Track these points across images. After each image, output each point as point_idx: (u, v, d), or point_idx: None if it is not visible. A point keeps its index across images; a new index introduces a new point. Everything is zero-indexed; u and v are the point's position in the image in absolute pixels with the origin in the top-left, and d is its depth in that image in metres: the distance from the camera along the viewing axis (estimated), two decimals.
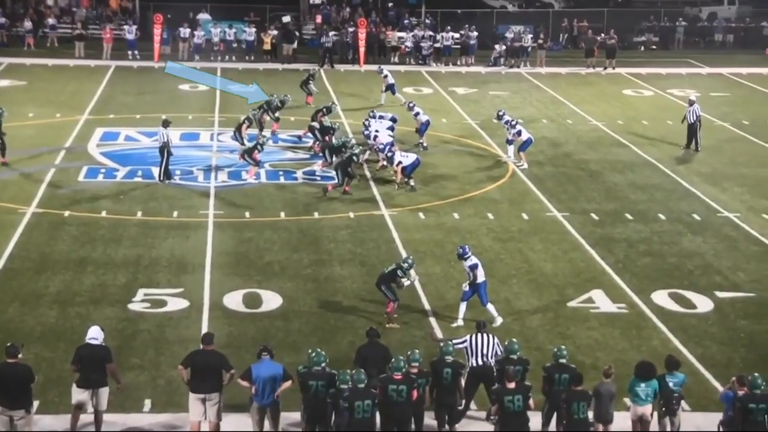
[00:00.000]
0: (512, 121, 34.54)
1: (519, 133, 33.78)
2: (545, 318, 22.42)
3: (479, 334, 18.04)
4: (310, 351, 16.79)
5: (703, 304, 23.43)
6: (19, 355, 16.31)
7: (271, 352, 16.91)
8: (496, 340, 18.14)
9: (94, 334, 16.99)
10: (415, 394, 16.35)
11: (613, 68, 53.49)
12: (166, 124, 31.23)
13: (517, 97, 45.86)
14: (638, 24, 62.85)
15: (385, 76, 42.31)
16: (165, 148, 30.79)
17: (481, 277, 21.73)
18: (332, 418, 16.19)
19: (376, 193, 30.49)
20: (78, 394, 16.79)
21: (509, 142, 34.41)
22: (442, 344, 17.45)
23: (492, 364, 17.66)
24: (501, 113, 35.53)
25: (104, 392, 16.86)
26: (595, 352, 20.74)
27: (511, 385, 16.18)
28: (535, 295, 23.63)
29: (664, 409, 16.96)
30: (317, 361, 16.50)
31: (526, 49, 54.43)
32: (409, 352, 16.95)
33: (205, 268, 24.49)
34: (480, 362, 17.79)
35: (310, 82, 41.95)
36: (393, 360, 16.46)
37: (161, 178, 30.88)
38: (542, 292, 23.84)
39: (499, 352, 17.81)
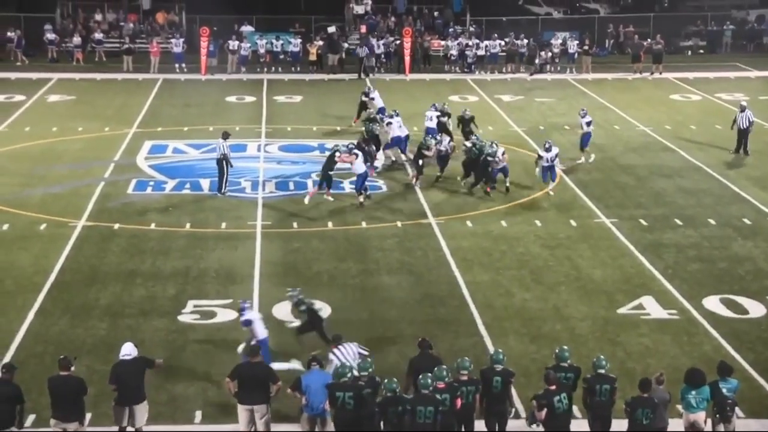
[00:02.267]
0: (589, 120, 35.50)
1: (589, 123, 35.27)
2: (595, 325, 22.27)
3: (340, 346, 17.76)
4: (338, 364, 16.77)
5: (755, 309, 23.17)
6: (72, 368, 16.43)
7: (320, 362, 16.92)
8: (353, 345, 17.93)
9: (128, 350, 16.97)
10: (458, 402, 16.29)
11: (660, 73, 53.15)
12: (225, 136, 31.51)
13: (563, 104, 45.68)
14: (685, 28, 62.37)
15: (372, 99, 39.38)
16: (224, 160, 30.95)
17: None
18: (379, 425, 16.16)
19: (423, 202, 30.45)
20: (118, 413, 16.78)
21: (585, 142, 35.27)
22: (492, 352, 17.33)
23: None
24: (584, 112, 35.91)
25: (142, 408, 16.83)
26: (646, 359, 20.57)
27: (553, 387, 16.11)
28: (584, 302, 23.47)
29: (717, 415, 16.77)
30: (364, 366, 16.54)
31: (573, 56, 54.27)
32: (459, 360, 16.87)
33: (254, 278, 24.57)
34: None
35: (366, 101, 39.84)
36: (435, 369, 16.38)
37: (222, 191, 31.01)
38: (591, 298, 23.69)
39: (358, 359, 17.47)
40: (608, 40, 61.24)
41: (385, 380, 16.19)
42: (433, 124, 35.60)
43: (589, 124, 35.23)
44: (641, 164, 35.28)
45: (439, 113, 36.17)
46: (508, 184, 31.14)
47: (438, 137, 33.06)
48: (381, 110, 38.05)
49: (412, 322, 22.21)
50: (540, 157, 31.73)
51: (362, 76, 51.81)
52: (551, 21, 62.75)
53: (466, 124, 36.51)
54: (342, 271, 25.20)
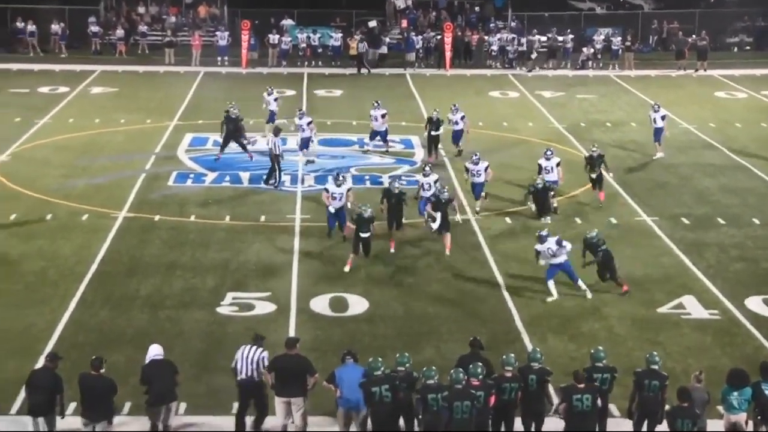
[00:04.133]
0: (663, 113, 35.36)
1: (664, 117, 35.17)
2: (634, 324, 22.13)
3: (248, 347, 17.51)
4: (370, 359, 16.72)
5: None
6: (102, 369, 16.37)
7: (355, 356, 16.90)
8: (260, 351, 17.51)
9: (157, 351, 16.98)
10: (492, 399, 16.24)
11: (705, 70, 52.73)
12: (277, 131, 31.62)
13: (605, 101, 45.44)
14: (731, 24, 61.71)
15: (276, 99, 37.97)
16: (275, 155, 31.11)
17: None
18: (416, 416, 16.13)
19: (462, 198, 30.38)
20: (153, 414, 16.71)
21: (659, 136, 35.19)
22: (530, 350, 17.24)
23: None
24: (657, 106, 35.71)
25: (174, 407, 16.83)
26: (686, 359, 20.41)
27: (581, 385, 16.02)
28: (624, 301, 23.32)
29: (759, 417, 16.60)
30: (402, 361, 16.53)
31: (616, 52, 53.97)
32: (504, 356, 16.79)
33: (292, 272, 24.61)
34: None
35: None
36: (470, 366, 16.32)
37: (276, 185, 31.15)
38: (631, 297, 23.53)
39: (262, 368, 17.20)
40: (652, 36, 60.81)
41: (424, 368, 16.16)
42: (380, 125, 35.46)
43: (663, 118, 34.97)
44: (684, 162, 35.03)
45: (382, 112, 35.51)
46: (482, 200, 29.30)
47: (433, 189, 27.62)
48: (272, 114, 37.26)
49: (448, 319, 22.17)
50: (467, 170, 29.49)
51: (362, 71, 51.81)
52: (594, 17, 62.38)
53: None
54: (380, 266, 25.18)
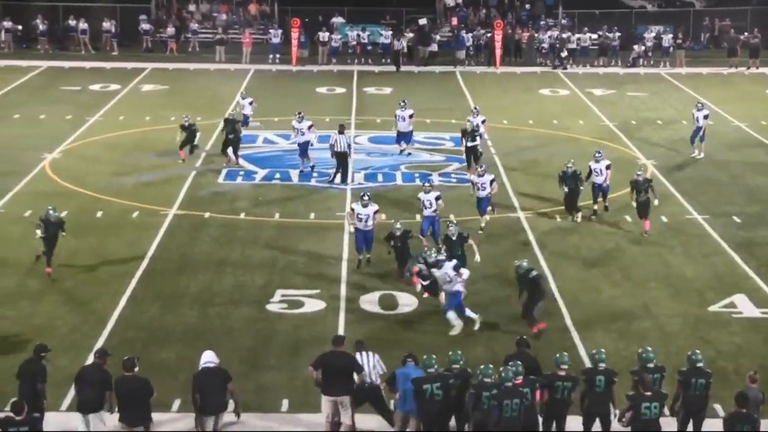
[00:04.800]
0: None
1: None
2: (685, 323, 21.94)
3: (361, 353, 17.37)
4: (424, 356, 16.66)
5: None
6: (136, 369, 16.14)
7: (416, 359, 16.78)
8: (376, 357, 17.37)
9: (210, 358, 16.69)
10: (538, 394, 16.16)
11: (757, 68, 52.20)
12: (342, 129, 31.51)
13: (655, 98, 45.11)
14: None
15: (251, 103, 37.81)
16: (341, 153, 31.06)
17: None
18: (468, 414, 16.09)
19: (511, 195, 30.28)
20: (202, 422, 16.49)
21: (700, 135, 34.63)
22: (594, 351, 17.03)
23: (376, 382, 17.07)
24: (701, 105, 35.39)
25: (225, 417, 16.62)
26: (737, 358, 20.20)
27: (648, 393, 15.84)
28: (675, 300, 23.15)
29: None
30: (455, 359, 16.47)
31: (668, 49, 53.54)
32: (558, 355, 16.69)
33: (342, 269, 24.64)
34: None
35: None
36: (511, 363, 16.24)
37: (344, 182, 31.22)
38: (682, 296, 23.35)
39: (381, 370, 17.14)
40: (703, 33, 60.26)
41: (482, 366, 16.09)
42: (406, 126, 34.88)
43: (706, 117, 34.65)
44: (735, 160, 34.70)
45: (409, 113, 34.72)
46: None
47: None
48: (245, 118, 36.99)
49: (498, 316, 22.08)
50: (472, 183, 28.23)
51: (399, 69, 51.68)
52: (645, 14, 61.88)
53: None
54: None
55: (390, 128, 37.75)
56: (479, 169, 28.27)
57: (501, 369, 16.04)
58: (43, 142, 35.46)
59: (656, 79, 49.93)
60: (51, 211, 24.03)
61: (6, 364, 18.89)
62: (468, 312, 21.36)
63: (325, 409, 16.91)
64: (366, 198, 25.19)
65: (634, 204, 27.15)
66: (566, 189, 28.02)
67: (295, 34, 52.71)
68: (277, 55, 52.86)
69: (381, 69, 51.84)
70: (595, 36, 54.97)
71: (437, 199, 25.92)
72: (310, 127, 32.77)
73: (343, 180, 31.25)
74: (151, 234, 26.82)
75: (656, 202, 27.33)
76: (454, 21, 57.58)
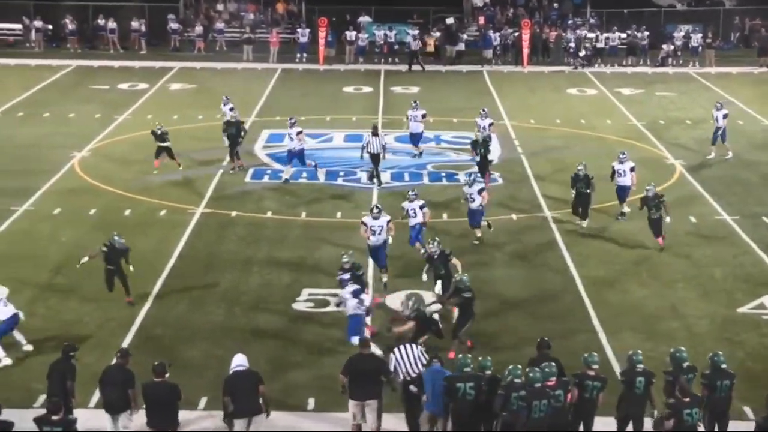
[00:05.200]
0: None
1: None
2: (713, 324, 21.81)
3: (402, 346, 17.22)
4: (460, 356, 16.59)
5: None
6: (167, 374, 16.11)
7: (441, 359, 16.75)
8: (420, 348, 17.27)
9: (241, 361, 16.56)
10: (569, 396, 16.09)
11: None
12: (375, 131, 31.31)
13: (684, 98, 44.87)
14: None
15: (232, 109, 35.11)
16: (374, 155, 30.90)
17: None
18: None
19: (539, 196, 30.19)
20: (231, 425, 16.37)
21: (721, 135, 34.31)
22: (631, 352, 16.92)
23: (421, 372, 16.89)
24: (720, 104, 35.13)
25: (260, 420, 16.41)
26: (766, 360, 20.07)
27: (687, 399, 15.66)
28: (703, 300, 23.02)
29: None
30: (485, 365, 16.38)
31: (697, 49, 53.25)
32: (586, 355, 16.57)
33: (368, 268, 24.61)
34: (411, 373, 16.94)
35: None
36: (545, 366, 16.13)
37: (377, 183, 31.08)
38: (710, 297, 23.21)
39: (424, 361, 16.96)
40: (733, 33, 59.90)
41: (510, 366, 16.02)
42: (418, 127, 34.40)
43: (725, 117, 34.40)
44: (765, 161, 34.46)
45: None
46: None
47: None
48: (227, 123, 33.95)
49: (525, 317, 22.05)
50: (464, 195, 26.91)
51: (412, 69, 51.52)
52: (674, 13, 61.56)
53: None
54: (461, 263, 25.06)
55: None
56: (468, 178, 27.35)
57: (528, 370, 15.97)
58: (72, 141, 35.64)
59: (685, 79, 49.67)
60: (116, 237, 22.28)
61: (35, 362, 19.05)
62: (352, 339, 19.95)
63: (352, 411, 16.77)
64: (376, 209, 23.92)
65: (648, 220, 26.03)
66: (574, 192, 27.61)
67: (322, 34, 52.75)
68: (305, 55, 52.91)
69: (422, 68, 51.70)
70: (623, 35, 54.72)
71: (422, 207, 25.08)
72: (299, 134, 31.57)
73: (372, 178, 31.13)
74: (179, 232, 26.90)
75: (668, 219, 26.10)
76: (482, 20, 57.48)
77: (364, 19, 56.91)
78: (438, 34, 54.28)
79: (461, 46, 53.99)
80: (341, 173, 32.36)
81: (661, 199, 25.82)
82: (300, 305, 22.54)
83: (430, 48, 53.40)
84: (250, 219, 28.23)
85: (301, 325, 21.59)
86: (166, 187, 30.83)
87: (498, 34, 54.25)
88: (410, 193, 25.62)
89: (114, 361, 17.14)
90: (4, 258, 25.13)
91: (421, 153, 34.64)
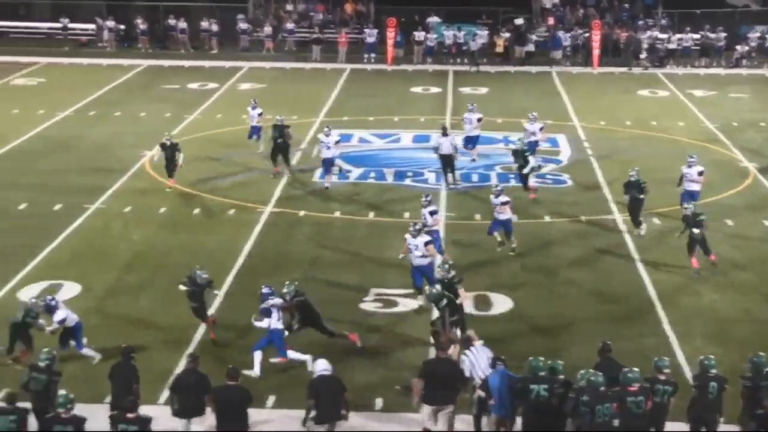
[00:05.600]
0: None
1: None
2: None
3: (470, 348, 17.06)
4: (530, 358, 16.45)
5: None
6: (240, 378, 16.10)
7: (505, 362, 16.63)
8: (487, 349, 17.14)
9: (325, 366, 16.41)
10: (649, 404, 15.88)
11: None
12: (445, 131, 30.94)
13: (759, 100, 44.23)
14: None
15: (260, 114, 34.62)
16: (445, 156, 30.56)
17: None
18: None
19: (609, 198, 29.88)
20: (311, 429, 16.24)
21: None
22: (703, 357, 16.66)
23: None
24: None
25: (341, 425, 16.32)
26: None
27: None
28: None
29: None
30: (556, 368, 16.22)
31: None
32: (656, 359, 16.37)
33: (436, 269, 24.48)
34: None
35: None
36: (627, 371, 15.92)
37: (449, 184, 30.78)
38: None
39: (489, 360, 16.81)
40: None
41: (582, 371, 15.86)
42: (472, 130, 33.55)
43: None
44: None
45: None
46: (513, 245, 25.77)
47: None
48: (254, 130, 34.45)
49: (594, 320, 21.83)
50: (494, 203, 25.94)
51: (472, 68, 51.22)
52: (749, 13, 60.62)
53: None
54: (523, 265, 24.95)
55: (486, 128, 37.49)
56: (495, 188, 26.32)
57: (591, 374, 15.77)
58: (143, 140, 35.93)
59: (760, 80, 48.96)
60: (198, 272, 20.98)
61: (105, 358, 19.16)
62: (292, 354, 19.42)
63: (425, 416, 16.60)
64: (415, 226, 22.80)
65: (689, 239, 24.40)
66: (628, 198, 27.00)
67: (390, 34, 52.73)
68: (372, 55, 52.92)
69: (477, 69, 51.51)
70: (696, 36, 54.03)
71: (432, 213, 24.59)
72: (337, 142, 31.13)
73: (446, 181, 30.93)
74: (247, 231, 27.00)
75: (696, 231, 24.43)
76: (551, 21, 57.10)
77: (433, 19, 56.79)
78: (507, 34, 54.00)
79: (530, 47, 53.64)
80: (409, 174, 32.30)
81: (701, 218, 24.34)
82: (367, 305, 22.51)
83: (499, 49, 53.13)
84: (317, 218, 28.27)
85: (369, 324, 21.55)
86: (235, 187, 30.96)
87: (568, 35, 53.84)
88: (423, 198, 25.32)
89: (185, 365, 17.17)
90: (75, 255, 25.42)
91: (475, 158, 34.00)
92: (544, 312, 22.32)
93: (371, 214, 28.61)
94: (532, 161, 29.89)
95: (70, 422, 14.85)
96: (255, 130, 34.35)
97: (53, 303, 19.63)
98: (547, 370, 16.21)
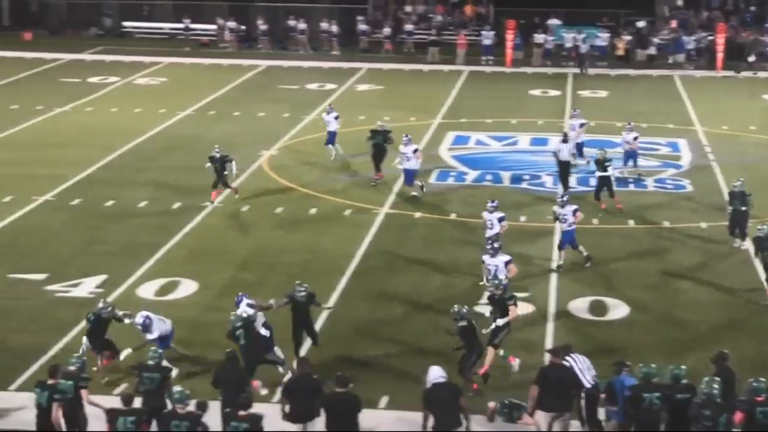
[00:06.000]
0: None
1: None
2: None
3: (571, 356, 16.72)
4: (640, 365, 16.15)
5: None
6: (350, 385, 15.91)
7: (629, 367, 16.37)
8: (587, 360, 16.84)
9: (439, 373, 16.18)
10: (737, 417, 15.44)
11: None
12: (565, 138, 30.47)
13: None
14: None
15: (336, 117, 33.79)
16: (563, 163, 30.12)
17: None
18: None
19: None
20: None
21: None
22: None
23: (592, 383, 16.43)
24: None
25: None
26: None
27: None
28: None
29: None
30: (678, 375, 15.89)
31: None
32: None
33: (551, 273, 24.28)
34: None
35: None
36: (752, 381, 15.45)
37: (564, 189, 29.90)
38: None
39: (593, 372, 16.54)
40: None
41: (706, 378, 15.53)
42: (577, 136, 32.32)
43: None
44: None
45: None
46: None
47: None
48: (332, 135, 33.72)
49: (712, 326, 21.44)
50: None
51: (583, 71, 50.51)
52: None
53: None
54: (641, 271, 24.60)
55: (605, 132, 37.08)
56: (560, 199, 25.14)
57: (703, 385, 15.41)
58: (262, 140, 36.33)
59: None
60: (299, 288, 19.98)
61: (220, 353, 19.29)
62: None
63: (540, 423, 16.42)
64: (492, 247, 22.46)
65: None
66: (731, 209, 25.99)
67: (509, 36, 52.43)
68: (490, 57, 52.66)
69: (597, 72, 50.96)
70: None
71: (500, 220, 24.22)
72: (415, 152, 30.01)
73: (564, 187, 30.32)
74: (363, 232, 27.08)
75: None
76: (674, 24, 56.16)
77: (553, 21, 56.34)
78: (629, 37, 53.27)
79: (652, 50, 52.81)
80: (526, 177, 32.05)
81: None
82: (482, 308, 22.36)
83: (620, 52, 52.42)
84: (433, 220, 28.22)
85: (483, 328, 21.37)
86: (352, 187, 31.09)
87: (692, 38, 52.86)
88: (489, 203, 24.93)
89: (296, 369, 17.18)
90: (193, 253, 25.79)
91: (588, 162, 33.36)
92: (661, 318, 21.94)
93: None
94: (610, 171, 28.64)
95: (186, 418, 15.03)
96: (332, 137, 33.66)
97: (147, 322, 19.28)
98: (671, 377, 15.91)
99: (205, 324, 21.20)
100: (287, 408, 16.20)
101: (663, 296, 23.20)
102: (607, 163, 28.62)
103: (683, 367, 16.25)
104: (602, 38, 53.14)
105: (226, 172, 29.01)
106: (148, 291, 23.13)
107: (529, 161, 33.47)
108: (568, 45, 53.24)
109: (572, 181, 31.42)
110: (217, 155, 29.03)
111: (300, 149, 35.59)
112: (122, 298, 22.77)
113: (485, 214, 24.88)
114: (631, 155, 31.76)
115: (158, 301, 22.63)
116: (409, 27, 57.07)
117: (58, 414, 15.89)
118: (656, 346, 20.39)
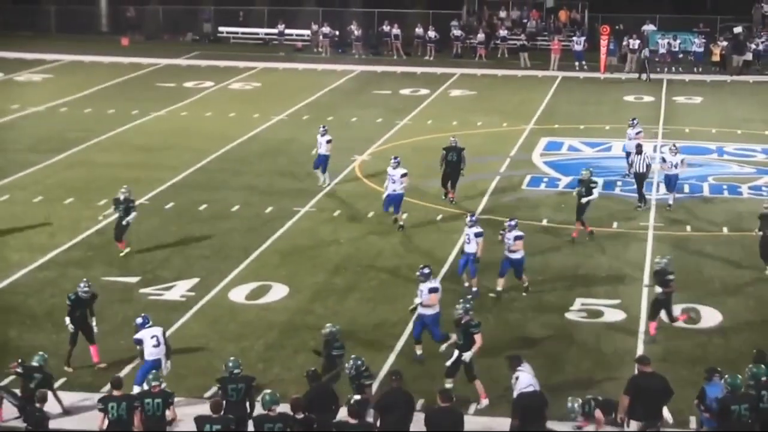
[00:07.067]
0: None
1: None
2: None
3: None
4: (726, 375, 15.98)
5: None
6: (453, 400, 15.77)
7: (722, 374, 16.21)
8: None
9: (529, 381, 16.22)
10: None
11: None
12: (639, 149, 29.75)
13: None
14: None
15: (329, 141, 31.58)
16: (639, 174, 29.44)
17: None
18: None
19: None
20: None
21: None
22: None
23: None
24: None
25: None
26: None
27: None
28: None
29: None
30: (757, 374, 15.71)
31: None
32: None
33: (643, 280, 24.10)
34: None
35: None
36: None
37: (640, 201, 29.46)
38: None
39: None
40: None
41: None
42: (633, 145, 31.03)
43: None
44: None
45: None
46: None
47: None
48: (321, 159, 31.74)
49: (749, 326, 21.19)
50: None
51: (643, 77, 49.85)
52: None
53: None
54: (736, 278, 24.31)
55: (700, 138, 36.68)
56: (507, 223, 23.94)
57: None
58: (354, 144, 36.54)
59: None
60: (329, 327, 18.61)
61: (309, 358, 19.40)
62: None
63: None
64: (472, 218, 23.14)
65: None
66: (760, 233, 24.72)
67: (604, 42, 52.08)
68: (584, 63, 52.36)
69: (691, 78, 50.40)
70: None
71: (477, 236, 23.21)
72: (404, 176, 27.94)
73: (640, 200, 29.64)
74: (454, 238, 27.05)
75: None
76: None
77: (648, 27, 55.85)
78: (725, 43, 52.58)
79: (749, 56, 52.11)
80: (619, 183, 31.82)
81: None
82: (573, 315, 22.30)
83: (716, 57, 51.77)
84: (525, 226, 28.01)
85: (574, 335, 21.34)
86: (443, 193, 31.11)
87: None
88: (468, 217, 24.08)
89: (389, 381, 17.06)
90: (285, 257, 26.01)
91: (626, 175, 31.99)
92: (755, 325, 21.65)
93: (578, 224, 28.21)
94: (596, 194, 27.02)
95: (278, 420, 15.25)
96: (321, 160, 31.69)
97: (140, 322, 18.74)
98: (749, 376, 15.81)
99: (296, 329, 21.42)
100: (379, 423, 15.91)
101: (759, 304, 22.89)
102: (592, 185, 26.92)
103: (763, 366, 16.06)
104: (698, 44, 52.53)
105: (127, 218, 25.56)
106: (239, 295, 23.40)
107: (622, 168, 33.18)
108: (662, 51, 52.73)
109: (662, 188, 31.11)
110: (121, 198, 25.56)
111: (392, 154, 35.63)
112: (214, 301, 23.10)
113: (466, 228, 23.80)
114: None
115: (250, 305, 22.93)
116: (502, 32, 57.01)
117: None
118: (750, 354, 20.07)
